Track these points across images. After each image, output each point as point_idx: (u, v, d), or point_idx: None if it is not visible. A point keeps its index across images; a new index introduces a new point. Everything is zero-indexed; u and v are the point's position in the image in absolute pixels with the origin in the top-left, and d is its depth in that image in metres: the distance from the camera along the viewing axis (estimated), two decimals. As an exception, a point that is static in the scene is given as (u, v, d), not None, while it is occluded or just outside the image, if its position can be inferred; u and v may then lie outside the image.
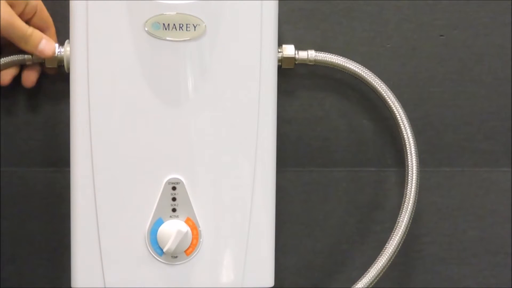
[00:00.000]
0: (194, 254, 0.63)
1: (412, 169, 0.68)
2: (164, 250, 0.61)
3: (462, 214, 0.76)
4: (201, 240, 0.63)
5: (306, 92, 0.73)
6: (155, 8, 0.60)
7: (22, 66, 0.68)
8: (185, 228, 0.62)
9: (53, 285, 0.73)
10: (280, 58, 0.68)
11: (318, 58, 0.69)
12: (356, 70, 0.69)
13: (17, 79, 0.68)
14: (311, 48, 0.70)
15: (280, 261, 0.74)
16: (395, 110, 0.69)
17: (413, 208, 0.67)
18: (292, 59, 0.68)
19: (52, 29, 0.68)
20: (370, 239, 0.75)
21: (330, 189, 0.74)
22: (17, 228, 0.72)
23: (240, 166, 0.63)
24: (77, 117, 0.61)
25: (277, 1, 0.62)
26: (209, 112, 0.62)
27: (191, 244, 0.63)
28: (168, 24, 0.60)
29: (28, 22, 0.65)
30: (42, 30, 0.66)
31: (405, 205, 0.67)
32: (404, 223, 0.67)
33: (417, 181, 0.68)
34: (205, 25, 0.61)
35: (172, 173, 0.62)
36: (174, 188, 0.62)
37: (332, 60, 0.69)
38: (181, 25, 0.60)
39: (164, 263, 0.63)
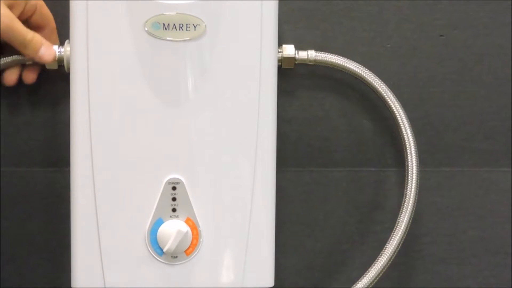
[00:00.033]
0: (194, 254, 0.63)
1: (412, 169, 0.68)
2: (164, 250, 0.61)
3: (462, 214, 0.76)
4: (201, 240, 0.63)
5: (306, 92, 0.73)
6: (155, 8, 0.60)
7: (23, 64, 0.68)
8: (185, 228, 0.62)
9: (53, 285, 0.73)
10: (280, 58, 0.68)
11: (318, 58, 0.69)
12: (356, 70, 0.69)
13: (18, 79, 0.68)
14: (311, 48, 0.70)
15: (280, 261, 0.74)
16: (395, 110, 0.69)
17: (413, 208, 0.67)
18: (292, 59, 0.68)
19: (52, 24, 0.67)
20: (370, 239, 0.75)
21: (330, 189, 0.74)
22: (17, 228, 0.72)
23: (240, 166, 0.63)
24: (77, 117, 0.61)
25: (277, 1, 0.62)
26: (209, 112, 0.62)
27: (191, 244, 0.63)
28: (168, 24, 0.60)
29: (28, 19, 0.65)
30: (42, 26, 0.66)
31: (405, 205, 0.67)
32: (404, 223, 0.67)
33: (417, 181, 0.68)
34: (205, 25, 0.61)
35: (172, 173, 0.62)
36: (174, 188, 0.62)
37: (332, 60, 0.69)
38: (181, 25, 0.60)
39: (164, 263, 0.63)
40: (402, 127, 0.69)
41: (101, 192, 0.62)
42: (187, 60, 0.61)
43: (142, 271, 0.63)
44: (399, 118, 0.69)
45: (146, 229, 0.62)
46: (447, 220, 0.76)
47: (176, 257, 0.63)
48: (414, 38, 0.73)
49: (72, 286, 0.63)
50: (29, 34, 0.64)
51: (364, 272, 0.66)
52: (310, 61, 0.69)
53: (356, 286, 0.66)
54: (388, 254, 0.66)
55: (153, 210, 0.62)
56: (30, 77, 0.68)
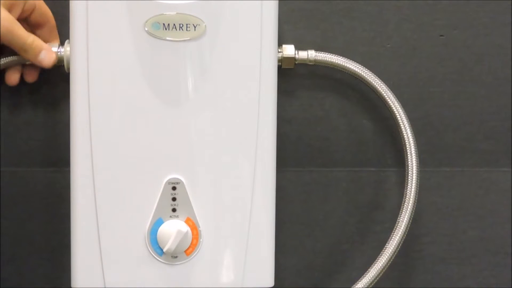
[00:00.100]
0: (194, 254, 0.63)
1: (412, 169, 0.68)
2: (164, 250, 0.61)
3: (462, 214, 0.76)
4: (201, 240, 0.63)
5: (306, 92, 0.73)
6: (155, 8, 0.60)
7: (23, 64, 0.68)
8: (185, 228, 0.62)
9: (53, 285, 0.73)
10: (280, 58, 0.68)
11: (318, 58, 0.69)
12: (356, 70, 0.69)
13: (20, 78, 0.68)
14: (311, 48, 0.70)
15: (280, 261, 0.74)
16: (395, 110, 0.69)
17: (413, 208, 0.67)
18: (292, 59, 0.68)
19: (52, 22, 0.67)
20: (370, 239, 0.75)
21: (330, 189, 0.74)
22: (17, 228, 0.72)
23: (240, 166, 0.63)
24: (77, 117, 0.61)
25: (277, 1, 0.62)
26: (209, 112, 0.62)
27: (191, 244, 0.63)
28: (168, 24, 0.60)
29: (27, 18, 0.65)
30: (42, 25, 0.66)
31: (405, 205, 0.67)
32: (404, 223, 0.67)
33: (417, 181, 0.68)
34: (205, 25, 0.61)
35: (172, 173, 0.62)
36: (174, 188, 0.62)
37: (332, 60, 0.69)
38: (181, 25, 0.60)
39: (164, 263, 0.63)
40: (402, 127, 0.69)
41: (101, 192, 0.62)
42: (187, 60, 0.61)
43: (142, 271, 0.63)
44: (399, 118, 0.69)
45: (146, 229, 0.62)
46: (447, 220, 0.76)
47: (176, 257, 0.63)
48: (414, 38, 0.73)
49: (72, 286, 0.63)
50: (30, 38, 0.64)
51: (364, 272, 0.66)
52: (310, 61, 0.69)
53: (356, 286, 0.66)
54: (388, 254, 0.66)
55: (153, 210, 0.62)
56: (31, 75, 0.68)
